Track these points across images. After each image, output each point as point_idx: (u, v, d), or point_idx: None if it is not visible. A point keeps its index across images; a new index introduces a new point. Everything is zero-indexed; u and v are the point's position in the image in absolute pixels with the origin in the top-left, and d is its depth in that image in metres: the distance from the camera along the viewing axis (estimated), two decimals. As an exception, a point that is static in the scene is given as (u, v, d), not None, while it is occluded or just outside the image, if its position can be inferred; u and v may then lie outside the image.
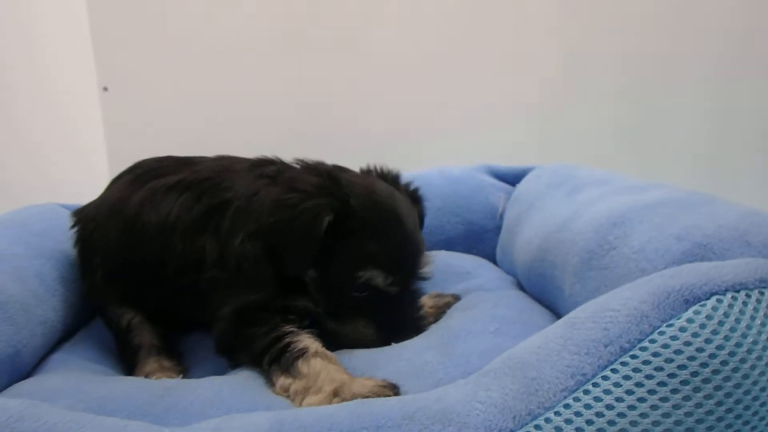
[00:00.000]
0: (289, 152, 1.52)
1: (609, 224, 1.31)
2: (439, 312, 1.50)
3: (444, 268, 1.74)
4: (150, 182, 1.52)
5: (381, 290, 1.28)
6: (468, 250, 1.98)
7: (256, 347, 1.21)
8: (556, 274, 1.46)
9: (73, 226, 1.61)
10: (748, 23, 2.78)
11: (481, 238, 2.02)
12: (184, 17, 2.79)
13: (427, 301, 1.53)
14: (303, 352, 1.15)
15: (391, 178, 1.51)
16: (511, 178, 2.10)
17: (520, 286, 1.72)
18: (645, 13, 2.80)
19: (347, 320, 1.31)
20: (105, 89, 2.78)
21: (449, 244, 1.99)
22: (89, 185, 2.67)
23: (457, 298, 1.56)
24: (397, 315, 1.32)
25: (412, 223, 1.39)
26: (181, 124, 2.83)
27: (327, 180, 1.34)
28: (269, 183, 1.37)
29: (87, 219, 1.58)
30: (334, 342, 1.27)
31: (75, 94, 2.69)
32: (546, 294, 1.54)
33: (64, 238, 1.67)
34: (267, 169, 1.43)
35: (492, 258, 1.99)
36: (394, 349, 1.27)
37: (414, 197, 1.54)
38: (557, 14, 2.83)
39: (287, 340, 1.19)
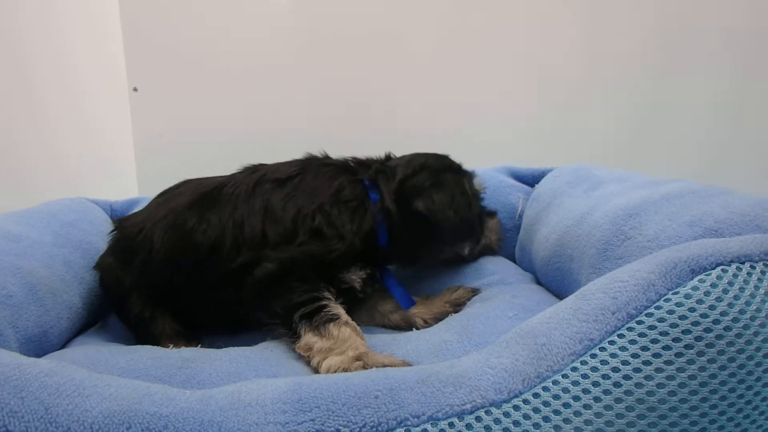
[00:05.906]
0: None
1: (625, 216, 1.33)
2: (459, 304, 1.54)
3: (464, 264, 1.77)
4: (197, 191, 1.59)
5: None
6: (487, 248, 1.98)
7: (292, 299, 1.29)
8: (573, 267, 1.48)
9: (113, 231, 1.65)
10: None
11: (500, 237, 2.04)
12: (215, 19, 2.83)
13: (446, 295, 1.57)
14: (336, 317, 1.24)
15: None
16: (530, 179, 2.12)
17: (538, 283, 1.73)
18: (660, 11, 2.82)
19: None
20: (135, 90, 2.84)
21: (469, 243, 1.99)
22: (116, 184, 2.74)
23: (476, 291, 1.59)
24: None
25: None
26: (209, 125, 2.86)
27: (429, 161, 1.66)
28: (347, 175, 1.58)
29: (131, 225, 1.60)
30: None
31: (105, 93, 2.74)
32: (563, 287, 1.55)
33: (92, 229, 1.72)
34: (338, 162, 1.64)
35: (511, 257, 2.00)
36: (414, 331, 1.31)
37: None
38: (579, 17, 2.85)
39: (324, 303, 1.27)
